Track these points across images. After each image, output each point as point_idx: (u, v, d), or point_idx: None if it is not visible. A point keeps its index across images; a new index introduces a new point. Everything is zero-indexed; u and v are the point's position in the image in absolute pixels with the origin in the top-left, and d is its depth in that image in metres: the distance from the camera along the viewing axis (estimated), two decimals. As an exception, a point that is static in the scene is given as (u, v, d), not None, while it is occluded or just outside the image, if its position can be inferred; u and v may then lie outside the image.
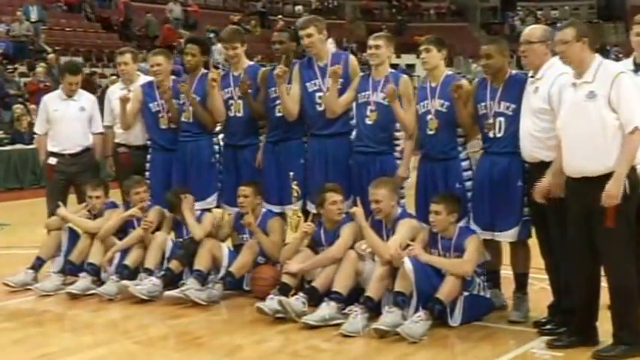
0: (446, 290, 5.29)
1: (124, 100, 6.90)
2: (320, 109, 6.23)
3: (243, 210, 6.32)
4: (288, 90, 6.29)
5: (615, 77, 4.67)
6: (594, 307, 4.94)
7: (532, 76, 5.34)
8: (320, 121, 6.25)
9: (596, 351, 4.79)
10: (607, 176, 4.64)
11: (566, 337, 4.98)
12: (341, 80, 6.14)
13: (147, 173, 6.94)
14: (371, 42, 6.09)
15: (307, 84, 6.28)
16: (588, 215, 4.74)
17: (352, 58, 6.40)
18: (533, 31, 5.41)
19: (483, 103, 5.58)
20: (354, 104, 6.22)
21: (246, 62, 6.73)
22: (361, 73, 6.22)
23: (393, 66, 6.38)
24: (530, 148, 5.25)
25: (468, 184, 5.72)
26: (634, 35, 5.48)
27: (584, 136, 4.71)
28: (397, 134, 6.15)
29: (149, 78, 7.16)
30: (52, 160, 7.22)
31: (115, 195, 7.11)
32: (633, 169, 4.69)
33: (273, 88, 6.45)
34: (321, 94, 6.21)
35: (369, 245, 5.69)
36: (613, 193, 4.57)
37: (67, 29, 23.51)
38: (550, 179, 4.97)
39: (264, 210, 6.42)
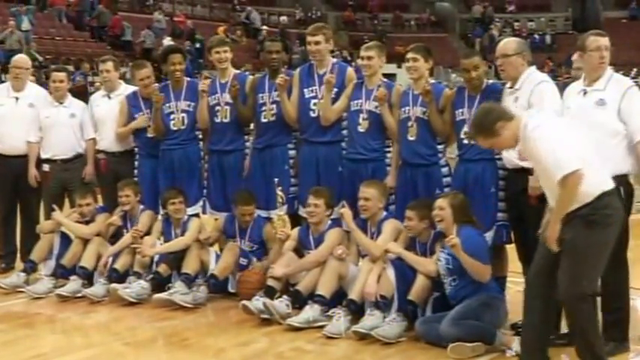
0: (415, 291, 5.41)
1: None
2: (314, 115, 6.35)
3: (246, 224, 6.48)
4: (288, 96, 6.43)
5: (627, 89, 4.88)
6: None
7: (510, 87, 5.48)
8: (313, 128, 6.37)
9: None
10: None
11: (564, 336, 5.10)
12: (336, 89, 6.28)
13: (135, 179, 7.00)
14: (363, 53, 6.18)
15: (305, 90, 6.40)
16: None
17: (350, 69, 6.50)
18: (508, 44, 5.54)
19: (461, 110, 5.73)
20: (346, 112, 6.31)
21: (233, 70, 6.86)
22: (354, 81, 6.34)
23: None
24: (513, 155, 5.32)
25: (448, 190, 5.83)
26: None
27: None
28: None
29: (131, 87, 7.25)
30: (46, 167, 7.27)
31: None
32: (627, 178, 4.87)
33: (261, 95, 6.58)
34: (316, 100, 6.34)
35: (360, 245, 5.85)
36: None
37: (57, 38, 23.65)
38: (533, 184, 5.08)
39: (255, 215, 6.54)
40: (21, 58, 7.67)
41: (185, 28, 27.39)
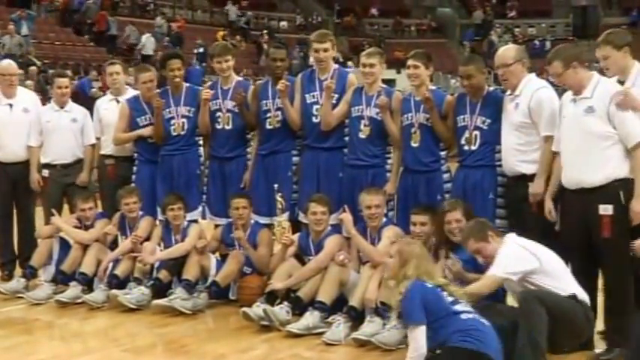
0: None
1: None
2: (316, 120, 6.37)
3: (240, 222, 6.42)
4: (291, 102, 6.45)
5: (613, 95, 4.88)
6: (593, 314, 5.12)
7: (510, 94, 5.50)
8: (315, 133, 6.38)
9: (595, 355, 4.98)
10: (604, 187, 4.84)
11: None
12: (337, 95, 6.29)
13: (132, 185, 7.01)
14: (365, 60, 6.18)
15: (306, 95, 6.42)
16: (586, 226, 4.92)
17: (351, 76, 6.51)
18: (507, 52, 5.55)
19: (462, 116, 5.74)
20: (347, 118, 6.32)
21: (236, 77, 6.87)
22: (354, 86, 6.35)
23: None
24: (513, 162, 5.42)
25: (447, 196, 5.84)
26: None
27: (582, 148, 4.90)
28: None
29: (135, 92, 7.26)
30: (45, 172, 7.26)
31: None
32: (631, 181, 4.86)
33: (264, 101, 6.59)
34: (318, 106, 6.35)
35: (361, 250, 5.84)
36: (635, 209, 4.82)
37: (56, 43, 23.74)
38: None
39: (252, 222, 6.53)
40: (10, 65, 7.55)
41: (175, 34, 27.40)
